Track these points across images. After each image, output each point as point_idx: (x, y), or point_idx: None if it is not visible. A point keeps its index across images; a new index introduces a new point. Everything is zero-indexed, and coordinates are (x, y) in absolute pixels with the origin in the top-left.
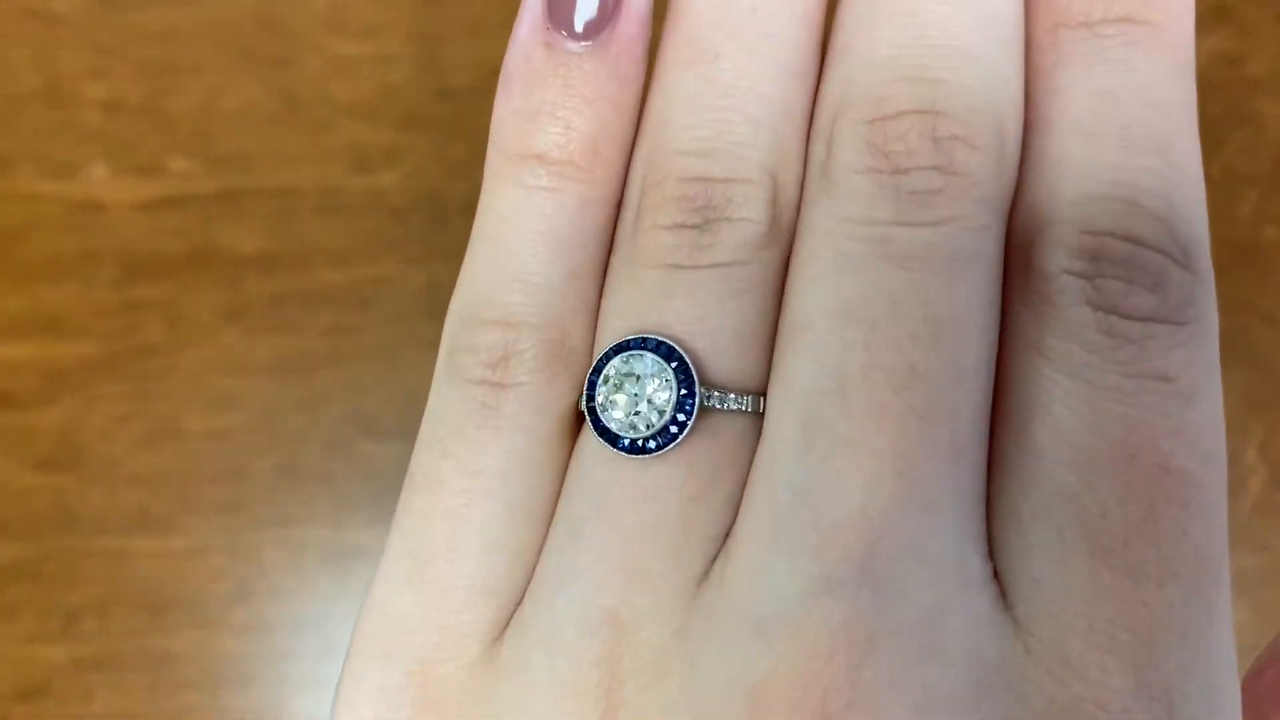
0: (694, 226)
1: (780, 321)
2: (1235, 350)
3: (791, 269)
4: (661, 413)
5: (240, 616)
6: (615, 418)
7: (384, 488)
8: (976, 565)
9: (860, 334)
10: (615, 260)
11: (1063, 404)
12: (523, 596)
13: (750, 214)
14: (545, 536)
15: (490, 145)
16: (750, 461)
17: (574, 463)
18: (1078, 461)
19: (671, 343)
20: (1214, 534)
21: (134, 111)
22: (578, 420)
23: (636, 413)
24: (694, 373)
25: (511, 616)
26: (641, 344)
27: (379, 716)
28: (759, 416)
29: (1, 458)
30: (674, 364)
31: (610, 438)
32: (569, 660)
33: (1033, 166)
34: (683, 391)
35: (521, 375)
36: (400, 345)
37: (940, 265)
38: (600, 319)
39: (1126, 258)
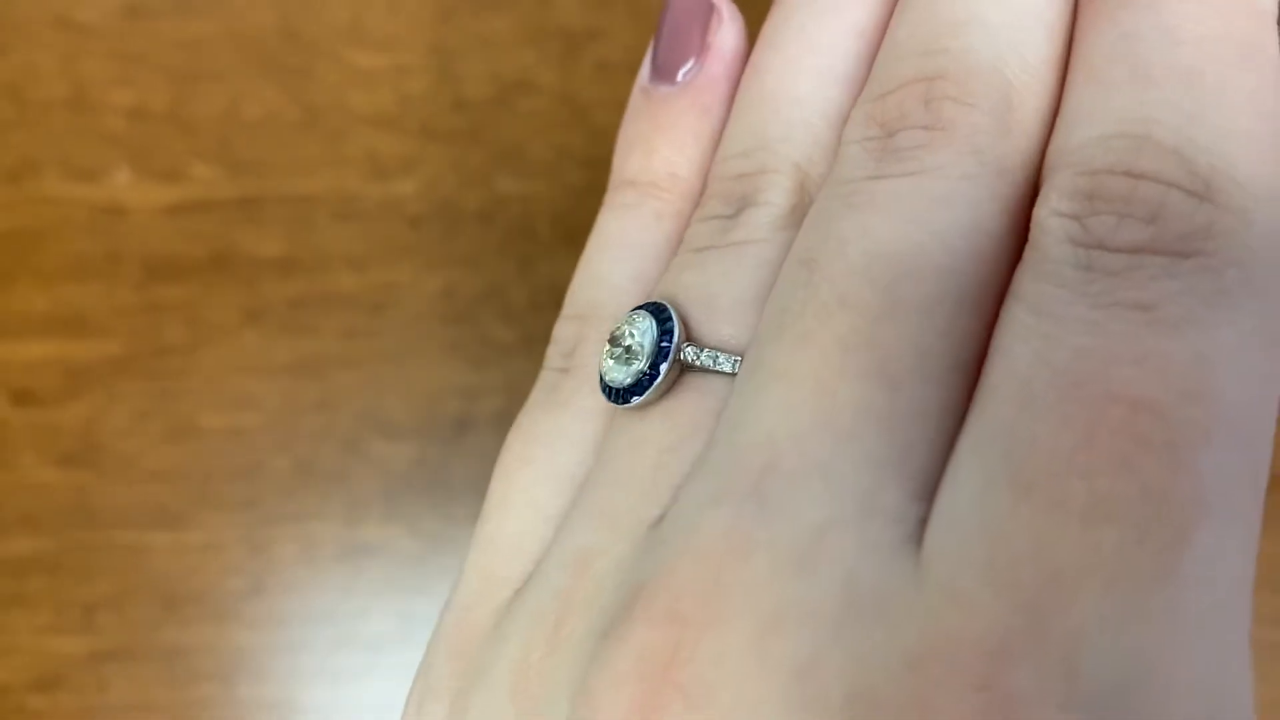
0: (726, 216)
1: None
2: None
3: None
4: (643, 361)
5: (255, 610)
6: (608, 371)
7: (397, 486)
8: (892, 499)
9: (804, 274)
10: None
11: (1021, 340)
12: None
13: (772, 198)
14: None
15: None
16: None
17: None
18: (1019, 394)
19: (665, 303)
20: (1182, 477)
21: (158, 118)
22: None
23: (626, 365)
24: (676, 328)
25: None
26: (644, 308)
27: (431, 661)
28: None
29: (23, 453)
30: (662, 320)
31: (607, 391)
32: (539, 593)
33: (1054, 124)
34: (663, 344)
35: (586, 359)
36: (415, 348)
37: (892, 205)
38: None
39: (1124, 193)
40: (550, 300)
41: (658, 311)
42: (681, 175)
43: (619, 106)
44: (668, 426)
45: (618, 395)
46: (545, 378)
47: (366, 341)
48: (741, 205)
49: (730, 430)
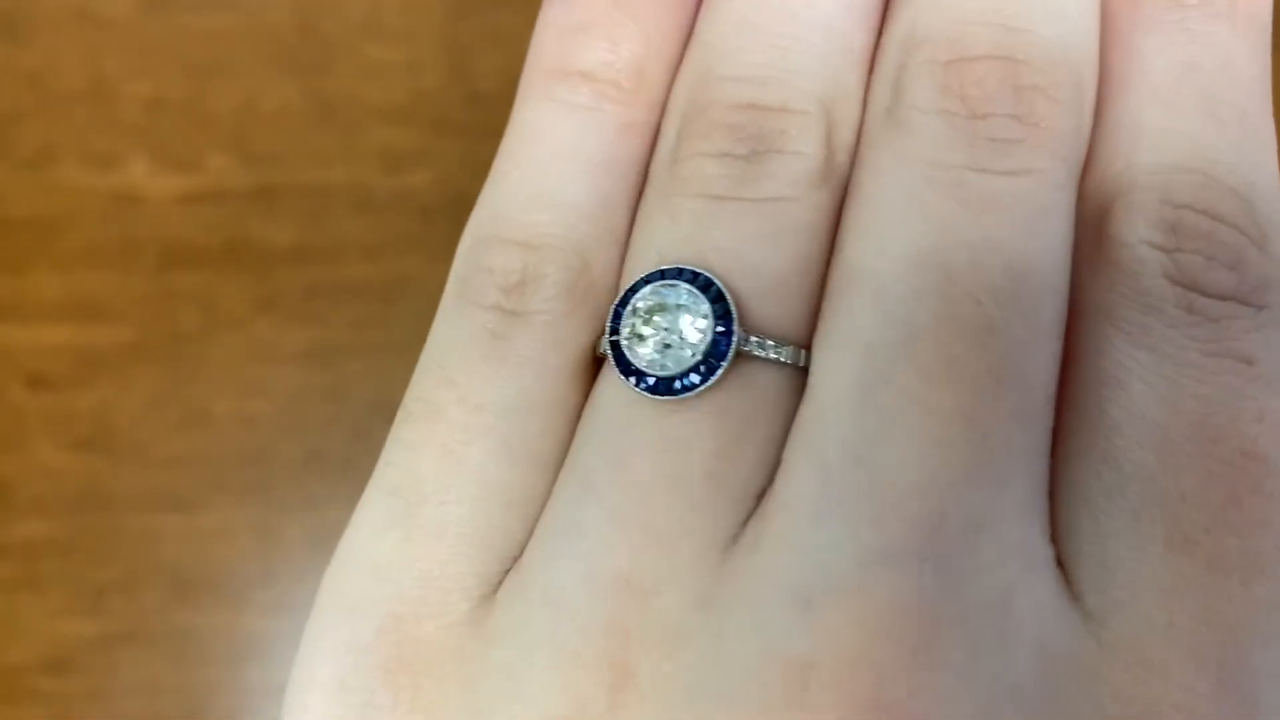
0: (740, 157)
1: (833, 269)
2: None
3: (847, 215)
4: (694, 350)
5: (264, 596)
6: (642, 353)
7: None
8: (1041, 548)
9: (934, 282)
10: (649, 192)
11: (1141, 380)
12: (521, 552)
13: (803, 147)
14: (552, 487)
15: (528, 61)
16: (786, 420)
17: (589, 407)
18: (1156, 441)
19: (709, 275)
20: None
21: (175, 110)
22: (594, 363)
23: (666, 347)
24: (733, 309)
25: (506, 574)
26: (676, 274)
27: (340, 680)
28: (798, 372)
29: (37, 437)
30: (711, 297)
31: (634, 375)
32: (575, 626)
33: (1109, 132)
34: (719, 328)
35: (538, 303)
36: (425, 337)
37: (1019, 217)
38: (629, 252)
39: (1207, 233)
40: None
41: (705, 286)
42: (649, 79)
43: None
44: (715, 426)
45: (657, 384)
46: (480, 318)
47: (378, 331)
48: (759, 146)
49: (856, 461)
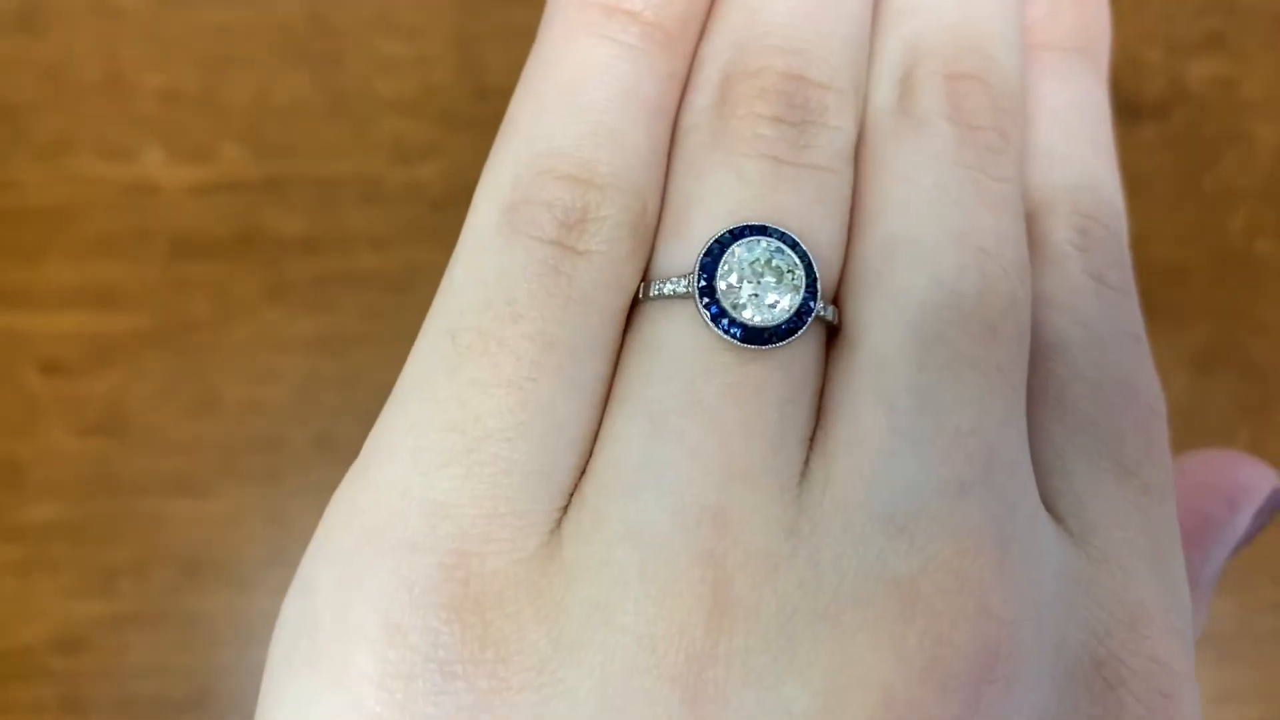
0: (793, 124)
1: (868, 238)
2: (1226, 356)
3: (874, 191)
4: (788, 308)
5: (273, 578)
6: (739, 303)
7: None
8: (1034, 484)
9: (974, 259)
10: (698, 142)
11: (1078, 348)
12: (573, 488)
13: (843, 123)
14: (600, 422)
15: None
16: (820, 372)
17: (649, 346)
18: (1096, 396)
19: (796, 237)
20: (1170, 466)
21: (189, 101)
22: (631, 304)
23: (769, 304)
24: (817, 271)
25: (565, 510)
26: (762, 231)
27: (395, 623)
28: (829, 327)
29: (51, 422)
30: (800, 256)
31: (726, 322)
32: (666, 557)
33: (1031, 155)
34: (809, 289)
35: (600, 243)
36: None
37: (1016, 214)
38: (687, 200)
39: (1104, 237)
40: None
41: (792, 245)
42: (690, 30)
43: None
44: (785, 375)
45: (746, 334)
46: (537, 252)
47: (387, 320)
48: (806, 117)
49: (922, 404)
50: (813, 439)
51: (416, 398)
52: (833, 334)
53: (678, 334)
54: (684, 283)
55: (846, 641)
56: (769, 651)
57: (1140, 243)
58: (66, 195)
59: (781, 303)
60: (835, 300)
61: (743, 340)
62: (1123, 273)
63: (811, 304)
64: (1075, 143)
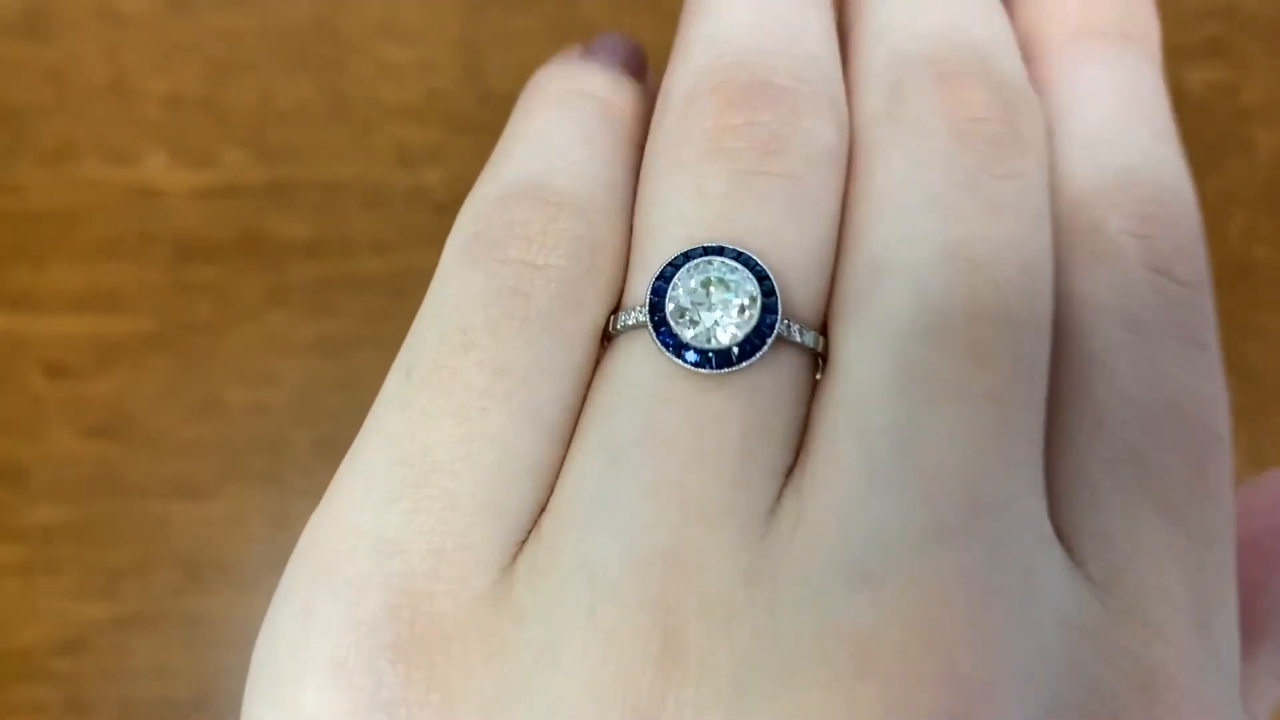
0: (757, 126)
1: (850, 254)
2: (1226, 362)
3: (859, 204)
4: (740, 327)
5: (275, 580)
6: (686, 326)
7: None
8: (1045, 524)
9: (963, 271)
10: (660, 158)
11: (1125, 361)
12: (532, 524)
13: (815, 125)
14: (563, 455)
15: (532, 88)
16: (804, 401)
17: (609, 379)
18: (1141, 419)
19: (754, 255)
20: (1231, 498)
21: (193, 106)
22: (602, 337)
23: (713, 323)
24: (777, 290)
25: (522, 545)
26: (719, 252)
27: (340, 661)
28: (812, 356)
29: (54, 424)
30: (757, 275)
31: (676, 347)
32: (617, 601)
33: (1073, 143)
34: (767, 307)
35: (557, 256)
36: None
37: (1024, 215)
38: (649, 225)
39: (1172, 224)
40: None
41: (748, 262)
42: (641, 88)
43: None
44: (747, 403)
45: (700, 359)
46: (499, 274)
47: (388, 323)
48: (777, 125)
49: (900, 441)
50: (791, 472)
51: (371, 432)
52: (823, 361)
53: (638, 364)
54: (642, 311)
55: (801, 700)
56: (719, 707)
57: None
58: (70, 199)
59: (731, 323)
60: (825, 323)
61: (697, 365)
62: (1192, 266)
63: (771, 322)
64: (1128, 126)
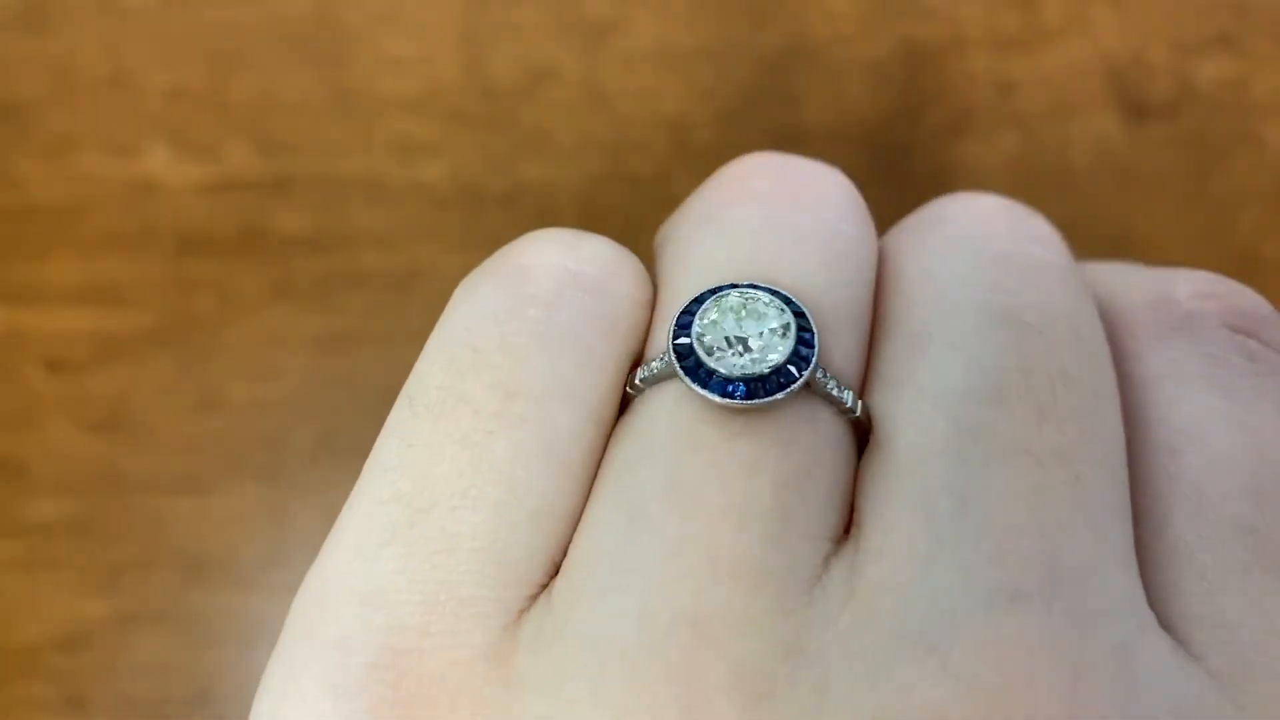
0: (792, 179)
1: (894, 334)
2: None
3: (893, 296)
4: (778, 354)
5: (276, 578)
6: (714, 357)
7: None
8: (1146, 609)
9: (1014, 336)
10: (688, 215)
11: (1222, 429)
12: (545, 579)
13: (842, 193)
14: (580, 506)
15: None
16: (846, 465)
17: (632, 428)
18: (1250, 489)
19: (786, 292)
20: None
21: (195, 100)
22: (624, 397)
23: (746, 348)
24: (813, 322)
25: (530, 601)
26: (750, 287)
27: None
28: (850, 421)
29: (55, 419)
30: (794, 310)
31: (704, 379)
32: (631, 672)
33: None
34: (802, 339)
35: (591, 266)
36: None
37: (1068, 280)
38: (673, 274)
39: (1242, 292)
40: None
41: (791, 304)
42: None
43: (642, 96)
44: (783, 454)
45: (727, 388)
46: (514, 281)
47: (391, 318)
48: (810, 179)
49: (964, 504)
50: (841, 546)
51: (368, 470)
52: (862, 440)
53: (662, 412)
54: (664, 357)
55: None
56: None
57: (1147, 244)
58: (71, 193)
59: (763, 345)
60: (863, 396)
61: (726, 396)
62: (1274, 329)
63: (806, 355)
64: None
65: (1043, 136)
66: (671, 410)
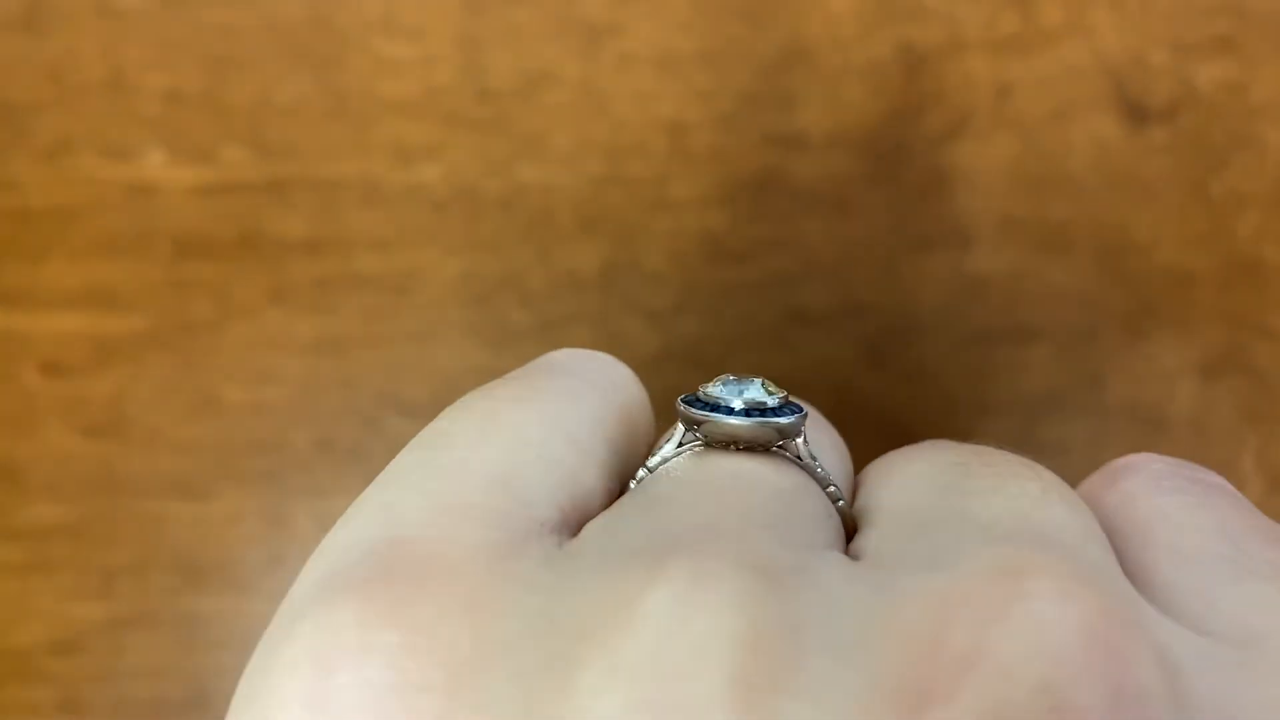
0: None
1: (870, 493)
2: (1234, 363)
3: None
4: (770, 399)
5: (272, 582)
6: (717, 393)
7: None
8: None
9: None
10: None
11: (1184, 512)
12: (548, 524)
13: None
14: (595, 484)
15: None
16: (839, 530)
17: (643, 479)
18: (1222, 537)
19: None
20: None
21: (191, 103)
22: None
23: (743, 394)
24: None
25: (537, 540)
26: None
27: (303, 611)
28: (838, 511)
29: (51, 422)
30: (771, 394)
31: (710, 407)
32: (650, 577)
33: None
34: (791, 403)
35: (594, 372)
36: (434, 329)
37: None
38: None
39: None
40: (568, 285)
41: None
42: None
43: (639, 98)
44: (780, 475)
45: (730, 411)
46: (530, 362)
47: (388, 322)
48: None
49: (946, 511)
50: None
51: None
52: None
53: (674, 459)
54: (669, 434)
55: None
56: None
57: (1147, 248)
58: (68, 196)
59: (760, 397)
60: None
61: (733, 415)
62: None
63: (795, 417)
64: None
65: (1042, 139)
66: (681, 459)
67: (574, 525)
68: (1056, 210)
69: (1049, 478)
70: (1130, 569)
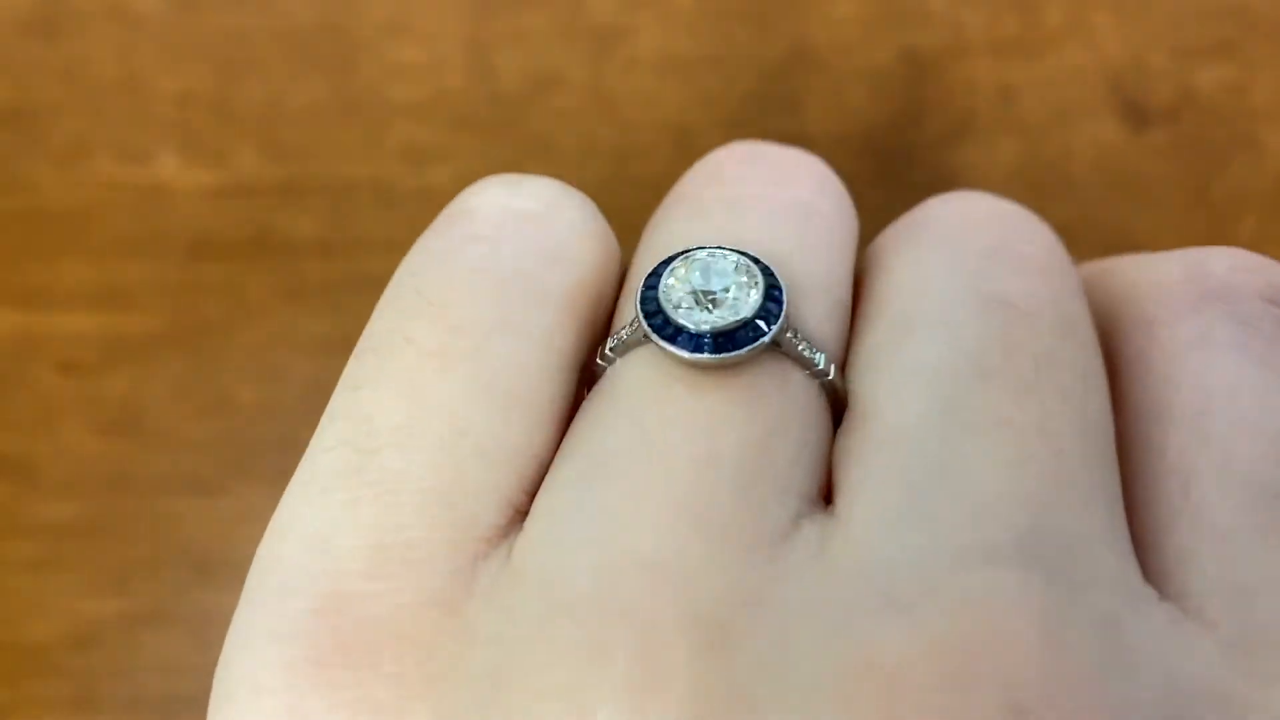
0: (770, 164)
1: (878, 323)
2: None
3: (874, 288)
4: (739, 310)
5: None
6: (682, 312)
7: None
8: (1139, 586)
9: (998, 318)
10: (664, 203)
11: (1253, 396)
12: (498, 522)
13: (816, 175)
14: (547, 449)
15: None
16: (819, 432)
17: (599, 392)
18: (1278, 458)
19: (754, 253)
20: None
21: (205, 106)
22: (591, 373)
23: (711, 308)
24: (781, 281)
25: (484, 548)
26: (718, 248)
27: (259, 682)
28: (823, 385)
29: (66, 421)
30: (759, 265)
31: (672, 335)
32: (586, 616)
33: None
34: (771, 295)
35: (538, 204)
36: None
37: (1062, 276)
38: (643, 250)
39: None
40: None
41: (762, 266)
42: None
43: (647, 102)
44: (751, 411)
45: (696, 341)
46: (462, 226)
47: None
48: (786, 163)
49: (941, 472)
50: (812, 514)
51: (322, 422)
52: (838, 412)
53: (630, 371)
54: (632, 323)
55: None
56: None
57: (1147, 250)
58: (83, 198)
59: (729, 299)
60: (843, 373)
61: (692, 351)
62: None
63: (774, 310)
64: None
65: (1044, 142)
66: (640, 370)
67: (525, 508)
68: (1058, 212)
69: (1077, 372)
70: (1151, 457)
